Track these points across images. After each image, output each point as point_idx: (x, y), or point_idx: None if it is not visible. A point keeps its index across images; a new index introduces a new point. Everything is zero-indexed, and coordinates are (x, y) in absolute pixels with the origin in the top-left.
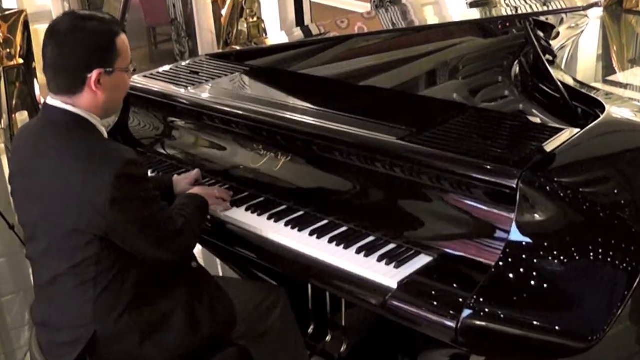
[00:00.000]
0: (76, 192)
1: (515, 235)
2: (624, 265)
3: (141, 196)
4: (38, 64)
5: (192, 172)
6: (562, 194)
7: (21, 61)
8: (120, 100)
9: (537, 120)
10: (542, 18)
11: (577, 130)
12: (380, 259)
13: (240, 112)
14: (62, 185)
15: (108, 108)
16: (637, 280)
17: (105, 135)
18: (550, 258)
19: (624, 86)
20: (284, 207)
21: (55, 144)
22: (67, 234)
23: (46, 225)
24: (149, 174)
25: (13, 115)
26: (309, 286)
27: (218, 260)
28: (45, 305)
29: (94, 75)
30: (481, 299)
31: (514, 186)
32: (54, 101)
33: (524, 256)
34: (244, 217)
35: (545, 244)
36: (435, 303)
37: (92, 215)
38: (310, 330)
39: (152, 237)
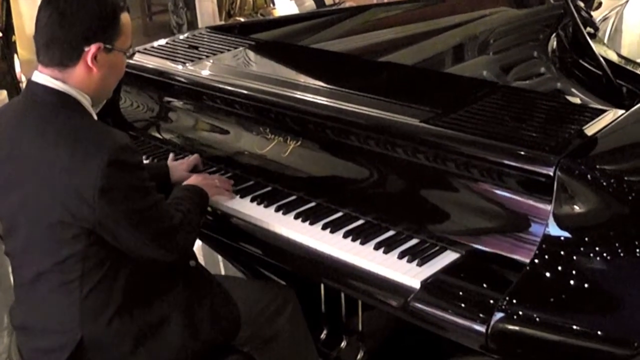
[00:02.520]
0: (62, 180)
1: (553, 229)
2: None
3: (135, 186)
4: (19, 38)
5: (190, 157)
6: (604, 183)
7: None
8: (113, 84)
9: (577, 101)
10: None
11: (621, 111)
12: (401, 256)
13: (245, 92)
14: (46, 173)
15: (99, 90)
16: None
17: (95, 117)
18: (591, 255)
19: None
20: (293, 197)
21: (39, 127)
22: (51, 227)
23: (27, 216)
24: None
25: None
26: (322, 286)
27: (220, 258)
28: (27, 307)
29: (92, 49)
30: (514, 301)
31: (551, 174)
32: (41, 76)
33: (562, 253)
34: (249, 209)
35: (586, 239)
36: (463, 305)
37: (79, 206)
38: (322, 336)
39: (146, 234)
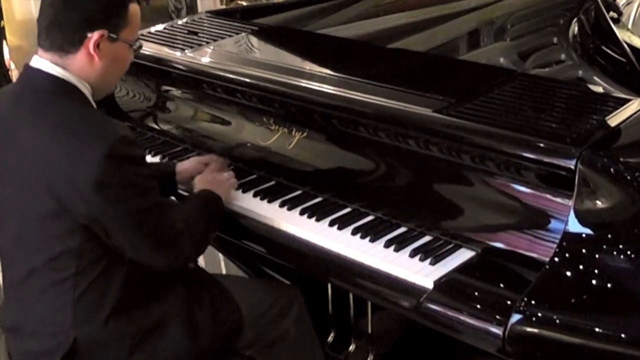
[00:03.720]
0: (56, 171)
1: (574, 225)
2: None
3: (134, 183)
4: (7, 23)
5: (203, 157)
6: (629, 177)
7: None
8: (115, 78)
9: (599, 89)
10: None
11: None
12: (413, 254)
13: (248, 80)
14: (40, 162)
15: (100, 82)
16: None
17: (94, 106)
18: (615, 253)
19: None
20: (299, 192)
21: (35, 114)
22: (43, 220)
23: (19, 208)
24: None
25: None
26: (329, 287)
27: (221, 256)
28: (17, 307)
29: (95, 35)
30: (533, 302)
31: (572, 167)
32: (40, 62)
33: (583, 250)
34: (251, 205)
35: (609, 236)
36: (478, 306)
37: (74, 199)
38: (330, 339)
39: (142, 237)
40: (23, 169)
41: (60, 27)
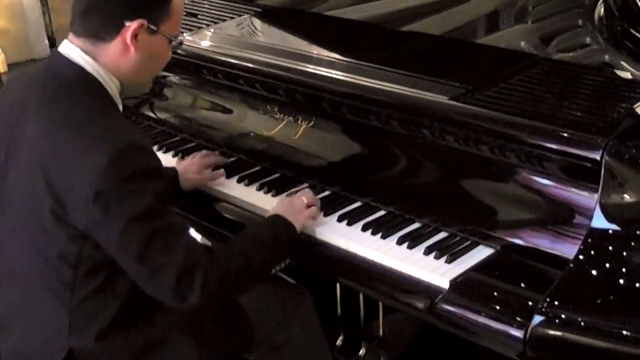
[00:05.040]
0: (59, 171)
1: (600, 221)
2: None
3: (140, 198)
4: None
5: (206, 158)
6: None
7: None
8: (150, 74)
9: (628, 76)
10: None
11: None
12: (428, 252)
13: (251, 65)
14: (45, 158)
15: (133, 76)
16: None
17: (121, 107)
18: None
19: None
20: (305, 185)
21: (49, 107)
22: (42, 217)
23: (20, 196)
24: None
25: None
26: (338, 287)
27: None
28: (8, 303)
29: (134, 25)
30: (556, 302)
31: (598, 159)
32: (70, 47)
33: (610, 248)
34: (255, 199)
35: (638, 233)
36: (497, 307)
37: (73, 204)
38: (339, 343)
39: (137, 260)
40: (28, 158)
41: (97, 13)
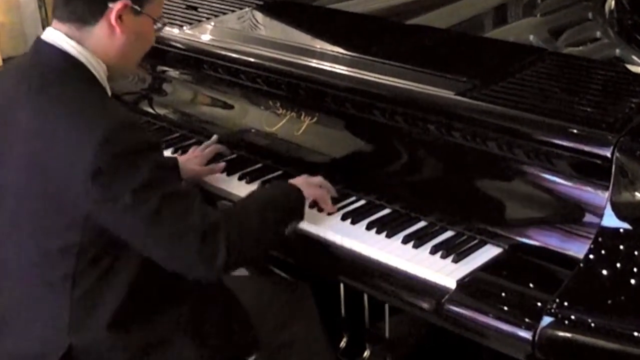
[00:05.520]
0: (53, 156)
1: (610, 219)
2: None
3: (139, 171)
4: None
5: (207, 150)
6: None
7: None
8: (136, 55)
9: (638, 70)
10: None
11: None
12: (434, 251)
13: (252, 59)
14: (37, 144)
15: (119, 58)
16: None
17: (109, 92)
18: None
19: None
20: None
21: (38, 93)
22: (39, 208)
23: (15, 188)
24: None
25: None
26: (341, 287)
27: None
28: (6, 299)
29: (118, 5)
30: (566, 303)
31: (609, 156)
32: (54, 34)
33: (621, 247)
34: None
35: None
36: (505, 308)
37: (72, 188)
38: (342, 344)
39: (152, 234)
40: (21, 148)
41: None
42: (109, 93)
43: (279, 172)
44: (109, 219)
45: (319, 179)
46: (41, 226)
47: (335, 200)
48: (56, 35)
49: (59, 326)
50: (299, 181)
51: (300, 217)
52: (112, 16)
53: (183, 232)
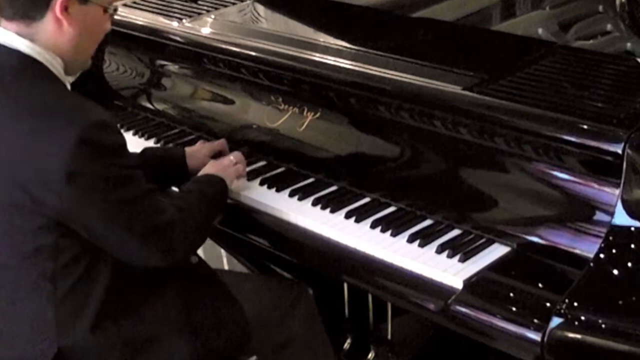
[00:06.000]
0: (22, 160)
1: (621, 217)
2: None
3: (111, 173)
4: None
5: (215, 142)
6: None
7: None
8: (89, 47)
9: None
10: None
11: None
12: (440, 250)
13: (253, 53)
14: (3, 150)
15: (73, 53)
16: None
17: (69, 86)
18: None
19: None
20: (311, 180)
21: None
22: (12, 213)
23: None
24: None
25: None
26: (345, 287)
27: (222, 251)
28: None
29: None
30: (575, 303)
31: (620, 152)
32: (4, 34)
33: (632, 246)
34: (257, 194)
35: None
36: (514, 308)
37: (43, 192)
38: (346, 346)
39: (125, 230)
40: None
41: None
42: (69, 88)
43: (281, 170)
44: (81, 221)
45: (228, 160)
46: (16, 230)
47: (338, 198)
48: (6, 35)
49: (45, 328)
50: (215, 169)
51: (223, 210)
52: (57, 8)
53: (150, 230)
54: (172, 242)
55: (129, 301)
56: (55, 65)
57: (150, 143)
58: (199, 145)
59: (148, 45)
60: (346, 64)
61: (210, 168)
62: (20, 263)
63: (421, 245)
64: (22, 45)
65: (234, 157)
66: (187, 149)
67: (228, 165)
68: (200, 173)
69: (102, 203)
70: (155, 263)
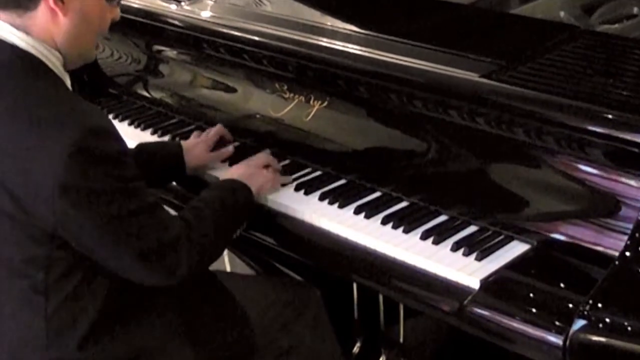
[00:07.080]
0: (12, 168)
1: None
2: None
3: (109, 185)
4: None
5: (211, 129)
6: None
7: None
8: (89, 38)
9: None
10: None
11: None
12: (455, 248)
13: (257, 38)
14: None
15: (71, 45)
16: None
17: (68, 83)
18: None
19: None
20: (318, 173)
21: None
22: (2, 223)
23: None
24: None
25: None
26: (355, 287)
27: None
28: None
29: None
30: (600, 304)
31: None
32: None
33: None
34: None
35: None
36: (534, 310)
37: (34, 202)
38: (356, 349)
39: (122, 247)
40: None
41: None
42: (68, 84)
43: (286, 162)
44: (75, 235)
45: (260, 160)
46: (3, 241)
47: (347, 193)
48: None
49: (36, 342)
50: (242, 172)
51: (251, 213)
52: None
53: (151, 248)
54: (175, 262)
55: (125, 313)
56: (53, 60)
57: (147, 133)
58: (194, 139)
59: (144, 29)
60: (355, 49)
61: (235, 171)
62: (11, 277)
63: (435, 243)
64: (16, 38)
65: (261, 159)
66: (185, 146)
67: (262, 175)
68: (222, 177)
69: (98, 218)
70: (156, 283)
